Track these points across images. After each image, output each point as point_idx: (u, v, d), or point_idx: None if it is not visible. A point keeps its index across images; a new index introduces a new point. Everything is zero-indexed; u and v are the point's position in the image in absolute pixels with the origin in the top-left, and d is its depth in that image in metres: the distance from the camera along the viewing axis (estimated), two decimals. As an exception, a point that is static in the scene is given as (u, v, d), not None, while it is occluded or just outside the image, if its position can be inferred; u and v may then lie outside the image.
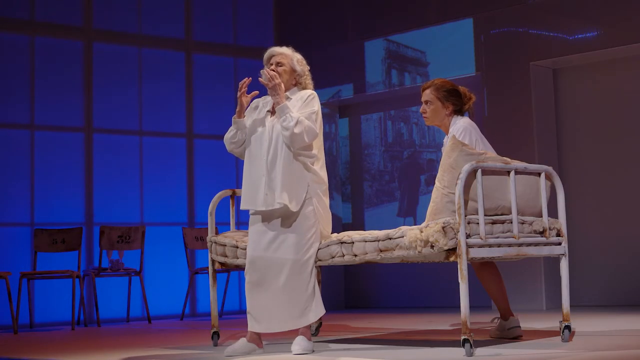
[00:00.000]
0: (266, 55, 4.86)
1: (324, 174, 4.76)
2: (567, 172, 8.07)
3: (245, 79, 4.73)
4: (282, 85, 4.67)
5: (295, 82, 4.82)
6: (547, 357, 3.93)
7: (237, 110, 4.78)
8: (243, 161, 4.86)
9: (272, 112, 4.77)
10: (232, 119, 4.80)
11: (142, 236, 8.25)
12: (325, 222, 4.75)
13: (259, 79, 4.70)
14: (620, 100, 7.94)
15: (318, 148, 4.75)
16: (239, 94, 4.74)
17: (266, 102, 4.86)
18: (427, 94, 4.96)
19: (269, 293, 4.59)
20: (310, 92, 4.77)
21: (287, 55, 4.80)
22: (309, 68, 4.87)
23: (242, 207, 4.74)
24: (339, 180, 9.79)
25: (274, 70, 4.72)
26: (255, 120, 4.79)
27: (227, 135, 4.84)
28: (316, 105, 4.71)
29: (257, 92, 4.86)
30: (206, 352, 4.94)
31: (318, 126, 4.67)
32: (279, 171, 4.60)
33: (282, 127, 4.59)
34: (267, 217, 4.67)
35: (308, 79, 4.84)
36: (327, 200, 4.77)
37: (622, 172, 7.89)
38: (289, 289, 4.55)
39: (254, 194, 4.68)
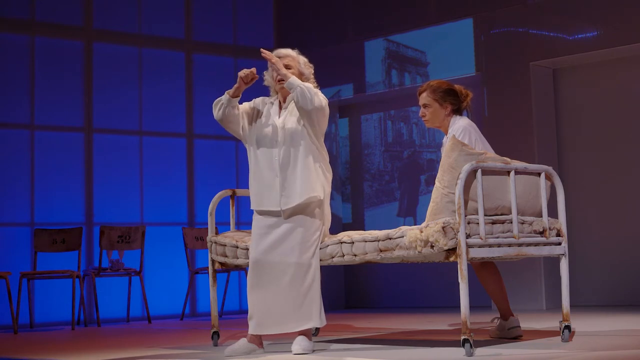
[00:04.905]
0: None
1: (330, 175, 4.77)
2: (567, 172, 8.07)
3: (254, 72, 4.71)
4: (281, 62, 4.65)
5: None
6: (547, 357, 3.93)
7: (235, 87, 4.72)
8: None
9: (280, 110, 4.77)
10: (226, 92, 4.74)
11: (142, 236, 8.25)
12: (327, 224, 4.75)
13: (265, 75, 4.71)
14: (620, 100, 7.94)
15: (324, 148, 4.75)
16: (243, 77, 4.68)
17: (269, 101, 4.85)
18: (424, 97, 4.95)
19: (271, 295, 4.58)
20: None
21: (294, 58, 4.78)
22: (313, 71, 4.86)
23: (254, 207, 4.73)
24: (339, 180, 9.79)
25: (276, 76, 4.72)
26: (262, 121, 4.78)
27: (217, 114, 4.77)
28: (324, 100, 4.66)
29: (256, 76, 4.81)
30: (206, 352, 4.94)
31: (323, 101, 4.63)
32: (298, 168, 4.60)
33: (299, 96, 4.52)
34: (273, 218, 4.67)
35: (313, 82, 4.83)
36: (329, 202, 4.78)
37: (622, 172, 7.89)
38: (291, 291, 4.54)
39: (267, 194, 4.67)
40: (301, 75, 4.75)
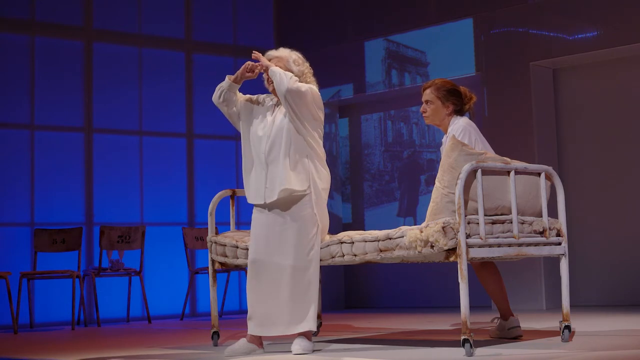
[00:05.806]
0: None
1: (326, 172, 4.75)
2: (567, 172, 8.07)
3: (256, 69, 4.77)
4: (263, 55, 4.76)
5: None
6: (547, 357, 3.93)
7: (237, 73, 4.83)
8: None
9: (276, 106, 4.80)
10: (227, 77, 4.84)
11: (142, 236, 8.25)
12: (324, 224, 4.74)
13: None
14: (620, 100, 7.94)
15: (317, 144, 4.75)
16: (247, 67, 4.77)
17: (269, 99, 4.87)
18: (427, 94, 4.98)
19: (269, 295, 4.58)
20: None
21: (283, 58, 4.78)
22: (308, 64, 4.85)
23: (250, 201, 4.77)
24: (339, 180, 9.79)
25: (267, 75, 4.74)
26: (258, 115, 4.81)
27: (215, 96, 4.88)
28: (304, 87, 4.66)
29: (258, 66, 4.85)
30: (206, 352, 4.94)
31: (310, 96, 4.64)
32: (281, 161, 4.61)
33: (277, 82, 4.59)
34: (270, 216, 4.66)
35: (309, 77, 4.81)
36: (326, 200, 4.77)
37: (622, 172, 7.89)
38: (290, 292, 4.54)
39: (255, 188, 4.71)
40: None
